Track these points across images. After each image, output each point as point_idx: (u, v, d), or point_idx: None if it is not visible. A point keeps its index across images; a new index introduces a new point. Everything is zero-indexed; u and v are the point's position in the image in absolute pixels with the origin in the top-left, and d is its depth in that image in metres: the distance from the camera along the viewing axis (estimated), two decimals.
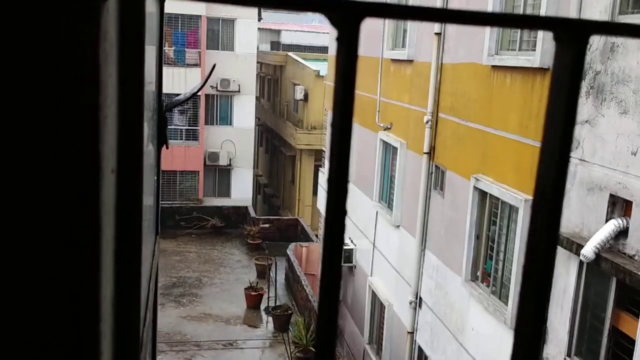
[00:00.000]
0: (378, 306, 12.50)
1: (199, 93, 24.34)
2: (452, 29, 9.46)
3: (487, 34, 8.17)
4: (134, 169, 0.62)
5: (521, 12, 7.71)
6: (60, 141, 0.41)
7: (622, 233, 5.74)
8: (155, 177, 1.53)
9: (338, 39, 0.47)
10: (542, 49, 6.93)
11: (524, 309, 0.49)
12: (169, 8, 25.81)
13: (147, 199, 1.26)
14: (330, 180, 0.47)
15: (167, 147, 1.62)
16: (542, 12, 6.96)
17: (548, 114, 0.49)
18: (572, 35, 0.48)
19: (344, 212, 0.47)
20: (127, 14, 0.56)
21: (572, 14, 6.40)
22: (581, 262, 6.18)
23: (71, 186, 0.42)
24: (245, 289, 17.20)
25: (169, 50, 24.45)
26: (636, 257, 5.58)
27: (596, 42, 6.10)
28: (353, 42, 0.46)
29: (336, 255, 0.45)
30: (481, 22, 0.49)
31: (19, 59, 0.39)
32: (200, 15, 24.41)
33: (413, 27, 10.80)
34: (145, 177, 1.24)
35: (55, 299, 0.43)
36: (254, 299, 17.01)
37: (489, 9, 8.14)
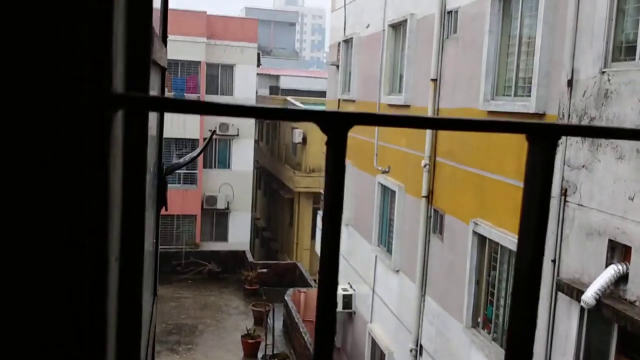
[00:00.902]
0: (378, 354, 12.29)
1: (198, 138, 24.55)
2: (448, 75, 9.65)
3: (483, 79, 8.33)
4: (135, 254, 0.65)
5: (515, 60, 7.89)
6: (69, 243, 0.44)
7: (623, 278, 5.71)
8: (154, 240, 1.56)
9: (327, 143, 0.50)
10: (537, 95, 7.05)
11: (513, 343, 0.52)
12: (169, 54, 26.24)
13: (147, 263, 1.28)
14: (319, 287, 0.50)
15: (166, 209, 1.64)
16: (536, 60, 7.10)
17: (523, 210, 0.52)
18: (543, 137, 0.51)
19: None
20: (135, 120, 0.60)
21: (566, 61, 6.54)
22: (582, 308, 6.13)
23: (78, 282, 0.44)
24: (242, 336, 16.92)
25: (168, 96, 24.76)
26: (637, 303, 5.54)
27: (590, 87, 6.22)
28: (341, 146, 0.49)
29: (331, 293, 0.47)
30: (459, 128, 0.52)
31: (35, 168, 0.42)
32: (200, 61, 24.84)
33: (410, 73, 11.00)
34: (147, 243, 1.26)
35: None
36: (251, 347, 16.71)
37: (484, 59, 8.32)
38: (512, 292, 0.58)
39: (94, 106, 0.43)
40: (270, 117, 0.51)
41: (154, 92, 1.35)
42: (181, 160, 2.95)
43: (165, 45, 1.55)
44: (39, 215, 0.43)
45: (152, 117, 1.33)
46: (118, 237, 0.58)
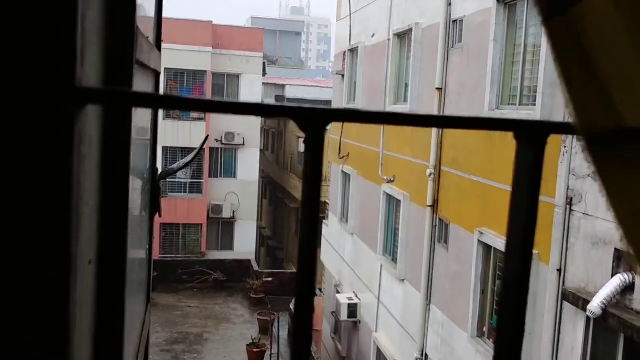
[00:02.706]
0: None
1: (204, 148, 24.61)
2: (453, 84, 9.64)
3: (488, 87, 8.32)
4: (117, 259, 0.64)
5: (520, 69, 7.87)
6: (28, 244, 0.42)
7: (629, 288, 5.65)
8: (148, 246, 1.54)
9: (305, 141, 0.49)
10: (542, 104, 7.03)
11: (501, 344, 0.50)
12: (175, 64, 26.24)
13: (137, 270, 1.27)
14: (298, 275, 0.48)
15: (160, 216, 1.63)
16: (542, 68, 7.07)
17: (511, 211, 0.51)
18: (532, 135, 0.50)
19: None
20: (112, 117, 0.59)
21: None
22: (588, 318, 6.07)
23: (39, 287, 0.43)
24: (247, 345, 16.87)
25: None
26: None
27: None
28: (319, 142, 0.48)
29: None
30: (446, 125, 0.51)
31: None
32: (206, 71, 24.96)
33: (415, 82, 11.00)
34: (136, 248, 1.25)
35: None
36: (256, 356, 16.65)
37: (489, 67, 8.31)
38: (500, 294, 0.56)
39: (55, 100, 0.42)
40: (246, 112, 0.50)
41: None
42: (174, 165, 2.95)
43: (160, 51, 1.55)
44: None
45: (143, 120, 1.32)
46: (94, 240, 0.57)
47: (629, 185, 0.46)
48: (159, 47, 1.56)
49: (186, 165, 3.11)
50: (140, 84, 1.14)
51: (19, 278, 0.43)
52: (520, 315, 0.54)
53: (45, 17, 0.41)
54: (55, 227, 0.43)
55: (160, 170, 1.73)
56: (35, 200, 0.43)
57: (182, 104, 0.46)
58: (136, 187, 1.13)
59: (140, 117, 1.22)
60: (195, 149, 25.09)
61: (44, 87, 0.41)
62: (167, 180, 24.27)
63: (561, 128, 0.50)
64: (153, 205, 1.50)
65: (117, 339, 0.67)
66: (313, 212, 0.49)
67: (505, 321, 0.53)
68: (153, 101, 0.44)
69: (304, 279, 0.46)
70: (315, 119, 0.49)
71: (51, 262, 0.44)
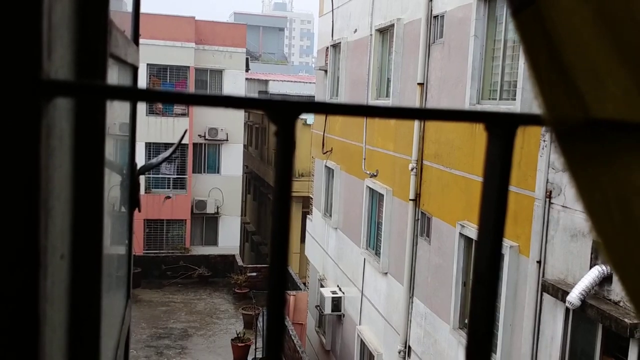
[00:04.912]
0: (367, 356, 12.28)
1: (187, 143, 24.46)
2: (434, 79, 9.69)
3: (469, 83, 8.37)
4: (91, 251, 0.63)
5: (500, 64, 7.94)
6: None
7: (607, 279, 5.75)
8: (127, 241, 1.54)
9: (276, 134, 0.49)
10: (522, 98, 7.10)
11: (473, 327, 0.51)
12: (157, 59, 26.02)
13: (116, 264, 1.26)
14: (270, 274, 0.49)
15: (139, 211, 1.63)
16: (521, 63, 7.15)
17: (482, 202, 0.52)
18: (502, 127, 0.51)
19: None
20: (83, 109, 0.59)
21: None
22: (567, 309, 6.16)
23: (6, 282, 0.43)
24: (232, 340, 16.85)
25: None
26: (621, 304, 5.58)
27: None
28: (290, 135, 0.49)
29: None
30: (416, 117, 0.51)
31: None
32: (189, 66, 24.78)
33: (396, 77, 11.04)
34: (114, 242, 1.24)
35: None
36: (241, 351, 16.64)
37: (469, 63, 8.36)
38: (472, 285, 0.57)
39: (19, 93, 0.42)
40: (217, 104, 0.50)
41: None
42: (154, 160, 2.94)
43: (137, 45, 1.54)
44: None
45: (121, 114, 1.32)
46: (66, 234, 0.57)
47: (597, 176, 0.47)
48: (136, 42, 1.55)
49: (166, 159, 3.10)
50: (117, 78, 1.13)
51: None
52: (490, 300, 0.55)
53: (8, 8, 0.41)
54: (22, 220, 0.43)
55: (139, 165, 1.73)
56: (2, 196, 0.43)
57: (153, 96, 0.46)
58: (114, 181, 1.13)
59: (118, 111, 1.22)
60: (175, 151, 24.98)
61: (8, 80, 0.41)
62: (152, 176, 24.10)
63: (530, 119, 0.51)
64: (132, 200, 1.49)
65: (93, 334, 0.67)
66: (284, 205, 0.50)
67: (476, 308, 0.55)
68: (121, 93, 0.44)
69: (276, 278, 0.46)
70: (285, 111, 0.49)
71: (18, 255, 0.43)
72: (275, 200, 0.48)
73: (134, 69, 1.49)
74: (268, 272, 0.50)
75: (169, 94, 0.42)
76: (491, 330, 0.56)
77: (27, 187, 0.42)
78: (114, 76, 1.06)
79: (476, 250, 0.58)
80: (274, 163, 0.55)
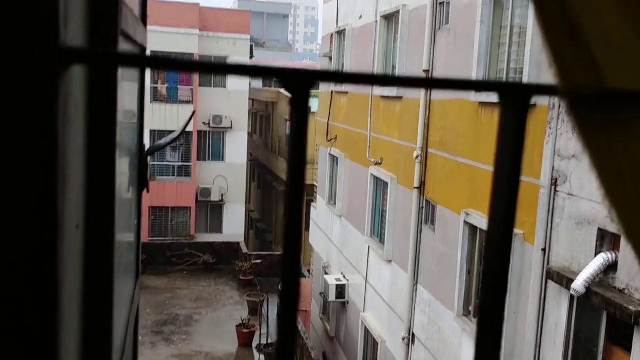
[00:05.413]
0: (371, 342, 12.35)
1: (191, 130, 24.47)
2: (440, 66, 9.64)
3: (475, 69, 8.33)
4: (104, 222, 0.64)
5: (506, 50, 7.89)
6: (14, 203, 0.43)
7: (612, 267, 5.75)
8: (136, 221, 1.55)
9: (291, 103, 0.50)
10: None
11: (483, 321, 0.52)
12: (161, 47, 25.95)
13: (126, 243, 1.27)
14: (284, 236, 0.49)
15: (147, 191, 1.63)
16: (527, 50, 7.10)
17: (495, 177, 0.52)
18: (516, 98, 0.50)
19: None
20: (96, 78, 0.59)
21: None
22: (572, 297, 6.17)
23: (26, 243, 0.43)
24: (237, 326, 16.97)
25: (161, 88, 24.68)
26: (626, 291, 5.58)
27: None
28: (304, 104, 0.49)
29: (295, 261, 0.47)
30: (428, 86, 0.51)
31: None
32: (193, 54, 24.72)
33: (402, 64, 10.99)
34: (124, 222, 1.25)
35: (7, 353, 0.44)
36: (245, 337, 16.76)
37: (475, 49, 8.31)
38: (484, 262, 0.57)
39: (39, 60, 0.42)
40: (231, 72, 0.50)
41: (132, 69, 1.34)
42: (162, 141, 2.94)
43: (145, 26, 1.54)
44: None
45: (130, 94, 1.32)
46: (81, 204, 0.57)
47: (611, 146, 0.47)
48: (144, 23, 1.55)
49: (174, 140, 3.12)
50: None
51: (5, 235, 0.43)
52: (502, 283, 0.54)
53: None
54: (42, 185, 0.44)
55: (148, 146, 1.73)
56: (22, 161, 0.43)
57: (166, 65, 0.46)
58: (124, 160, 1.13)
59: (127, 90, 1.22)
60: (184, 132, 25.09)
61: (27, 47, 0.42)
62: (156, 163, 24.14)
63: (545, 90, 0.50)
64: (141, 180, 1.50)
65: (106, 304, 0.68)
66: (298, 178, 0.50)
67: (487, 286, 0.54)
68: (137, 61, 0.44)
69: (290, 259, 0.46)
70: (300, 80, 0.49)
71: (39, 221, 0.44)
72: (290, 167, 0.48)
73: (142, 49, 1.49)
74: (282, 240, 0.50)
75: (180, 61, 0.43)
76: (502, 318, 0.55)
77: (45, 152, 0.43)
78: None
79: (488, 227, 0.58)
80: (288, 134, 0.55)
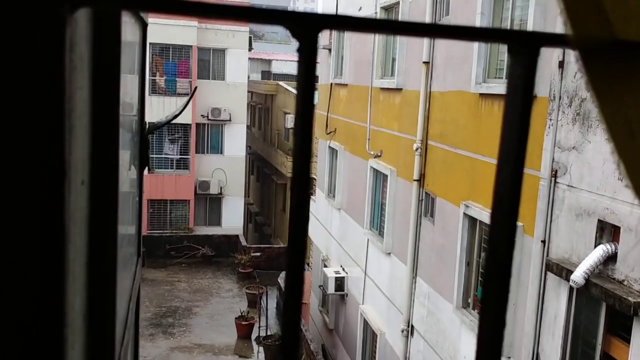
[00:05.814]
0: (370, 335, 12.38)
1: (190, 123, 24.42)
2: (440, 58, 9.61)
3: (475, 62, 8.31)
4: (108, 180, 0.63)
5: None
6: (21, 147, 0.42)
7: (611, 258, 5.76)
8: (138, 199, 1.54)
9: (298, 50, 0.48)
10: None
11: (486, 313, 0.50)
12: (160, 38, 25.83)
13: (127, 217, 1.27)
14: (293, 181, 0.49)
15: (149, 171, 1.62)
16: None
17: (503, 127, 0.51)
18: (524, 47, 0.50)
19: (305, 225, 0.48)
20: (100, 27, 0.58)
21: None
22: (571, 288, 6.18)
23: (33, 193, 0.43)
24: (236, 318, 17.00)
25: (160, 80, 24.60)
26: (625, 283, 5.59)
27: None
28: (312, 51, 0.48)
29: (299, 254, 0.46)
30: (433, 34, 0.51)
31: None
32: (192, 46, 24.64)
33: (402, 56, 10.96)
34: (125, 194, 1.24)
35: (15, 309, 0.43)
36: (245, 329, 16.80)
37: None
38: (490, 218, 0.56)
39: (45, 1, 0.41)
40: (235, 17, 0.49)
41: (135, 45, 1.33)
42: (162, 119, 2.93)
43: None
44: None
45: (130, 74, 1.31)
46: (86, 161, 0.57)
47: (620, 96, 0.47)
48: None
49: (175, 117, 3.11)
50: (131, 34, 1.12)
51: (12, 182, 0.43)
52: (506, 266, 0.53)
53: None
54: (49, 133, 0.43)
55: (148, 124, 1.73)
56: (27, 108, 0.43)
57: (170, 6, 0.45)
58: (126, 137, 1.13)
59: (128, 81, 1.21)
60: (182, 124, 24.81)
61: None
62: (154, 156, 24.11)
63: (554, 39, 0.50)
64: (142, 158, 1.49)
65: (109, 261, 0.67)
66: (307, 124, 0.49)
67: (495, 241, 0.53)
68: (139, 3, 0.43)
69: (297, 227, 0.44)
70: (308, 25, 0.48)
71: (46, 171, 0.43)
72: (297, 117, 0.47)
73: (144, 26, 1.48)
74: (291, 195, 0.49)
75: (190, 4, 0.42)
76: (505, 309, 0.54)
77: (52, 95, 0.42)
78: (125, 28, 1.05)
79: (495, 183, 0.56)
80: (296, 84, 0.54)
